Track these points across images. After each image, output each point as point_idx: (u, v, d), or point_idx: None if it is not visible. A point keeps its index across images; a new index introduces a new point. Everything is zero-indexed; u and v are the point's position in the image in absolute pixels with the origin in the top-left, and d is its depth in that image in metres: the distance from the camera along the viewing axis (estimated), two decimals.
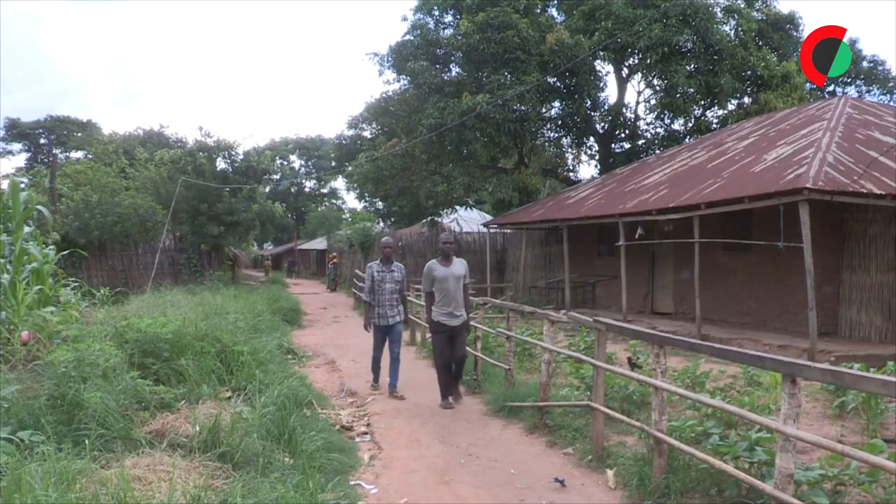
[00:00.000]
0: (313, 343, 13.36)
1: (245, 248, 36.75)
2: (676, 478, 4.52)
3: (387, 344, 8.32)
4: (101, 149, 34.22)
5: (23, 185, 10.65)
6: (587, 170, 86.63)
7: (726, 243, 13.00)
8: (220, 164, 25.62)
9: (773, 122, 16.48)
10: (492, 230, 23.06)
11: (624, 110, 24.76)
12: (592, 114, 24.26)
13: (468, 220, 29.37)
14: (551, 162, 26.97)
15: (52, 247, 10.25)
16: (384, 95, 27.88)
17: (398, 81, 24.65)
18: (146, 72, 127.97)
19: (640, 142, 25.01)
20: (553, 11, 24.98)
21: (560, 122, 24.52)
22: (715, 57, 21.56)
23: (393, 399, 8.04)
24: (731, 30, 22.87)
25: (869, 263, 11.31)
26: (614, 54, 22.76)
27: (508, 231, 23.91)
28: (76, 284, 10.94)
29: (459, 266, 7.56)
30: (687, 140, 23.09)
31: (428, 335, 9.99)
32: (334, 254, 34.85)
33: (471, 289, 8.26)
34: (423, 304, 8.49)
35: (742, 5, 23.81)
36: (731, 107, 23.91)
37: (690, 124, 24.65)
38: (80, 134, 49.13)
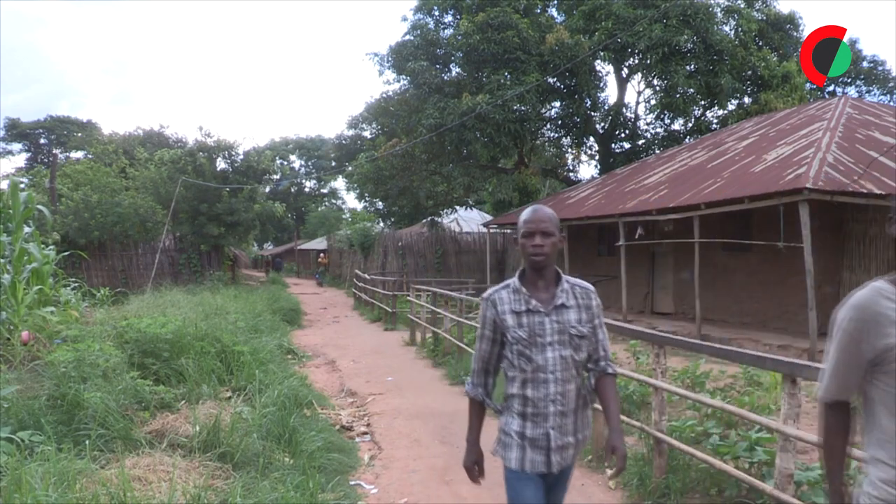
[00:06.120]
0: (313, 343, 13.36)
1: (245, 248, 36.79)
2: (676, 478, 4.53)
3: None
4: (101, 149, 34.18)
5: (23, 185, 10.64)
6: (587, 170, 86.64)
7: (726, 243, 12.99)
8: (220, 164, 25.61)
9: (773, 122, 16.48)
10: (492, 230, 23.04)
11: (624, 110, 24.74)
12: (592, 114, 24.24)
13: (468, 220, 29.34)
14: (551, 162, 26.98)
15: (52, 247, 10.24)
16: (384, 95, 27.86)
17: (398, 81, 24.67)
18: (144, 71, 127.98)
19: (640, 142, 25.00)
20: (553, 11, 24.96)
21: (560, 122, 24.52)
22: (715, 57, 21.54)
23: (394, 399, 7.01)
24: (731, 30, 22.85)
25: (869, 263, 11.31)
26: (614, 54, 22.73)
27: (508, 231, 23.89)
28: (76, 284, 10.93)
29: None
30: (687, 140, 23.09)
31: (428, 335, 7.79)
32: (322, 254, 41.95)
33: None
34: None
35: (742, 5, 23.79)
36: (731, 107, 23.89)
37: (690, 124, 24.65)
38: (79, 134, 49.03)
